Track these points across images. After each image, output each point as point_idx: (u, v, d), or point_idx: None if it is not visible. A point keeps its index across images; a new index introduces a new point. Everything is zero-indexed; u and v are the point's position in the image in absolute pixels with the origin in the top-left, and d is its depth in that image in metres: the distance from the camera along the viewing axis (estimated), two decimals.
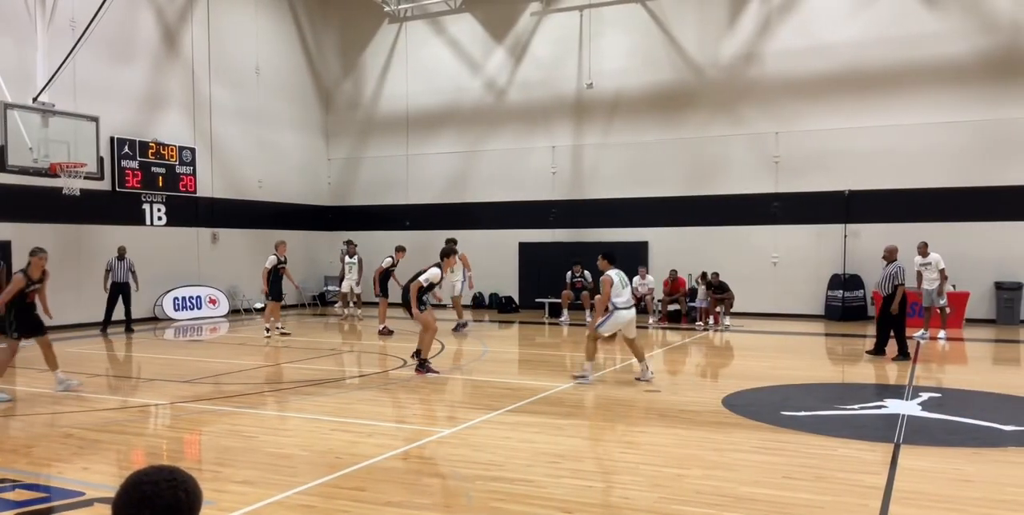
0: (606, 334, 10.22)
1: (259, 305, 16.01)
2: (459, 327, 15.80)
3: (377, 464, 6.21)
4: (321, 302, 23.00)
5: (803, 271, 18.40)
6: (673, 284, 18.00)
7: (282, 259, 15.42)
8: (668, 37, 19.81)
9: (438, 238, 17.24)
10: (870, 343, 12.65)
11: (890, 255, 12.28)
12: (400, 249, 16.74)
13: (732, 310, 16.97)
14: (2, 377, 9.02)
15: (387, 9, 22.78)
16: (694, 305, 17.57)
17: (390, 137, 23.26)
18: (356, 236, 22.10)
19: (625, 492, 5.44)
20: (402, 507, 5.17)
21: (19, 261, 15.58)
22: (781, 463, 6.20)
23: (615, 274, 9.89)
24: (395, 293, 15.75)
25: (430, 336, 10.58)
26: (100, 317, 15.89)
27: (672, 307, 18.07)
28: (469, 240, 21.23)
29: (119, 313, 15.94)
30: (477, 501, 5.29)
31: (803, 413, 8.09)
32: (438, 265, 10.85)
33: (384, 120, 23.38)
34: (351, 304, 18.82)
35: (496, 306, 21.24)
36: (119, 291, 15.87)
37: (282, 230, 21.41)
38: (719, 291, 16.77)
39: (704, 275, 17.15)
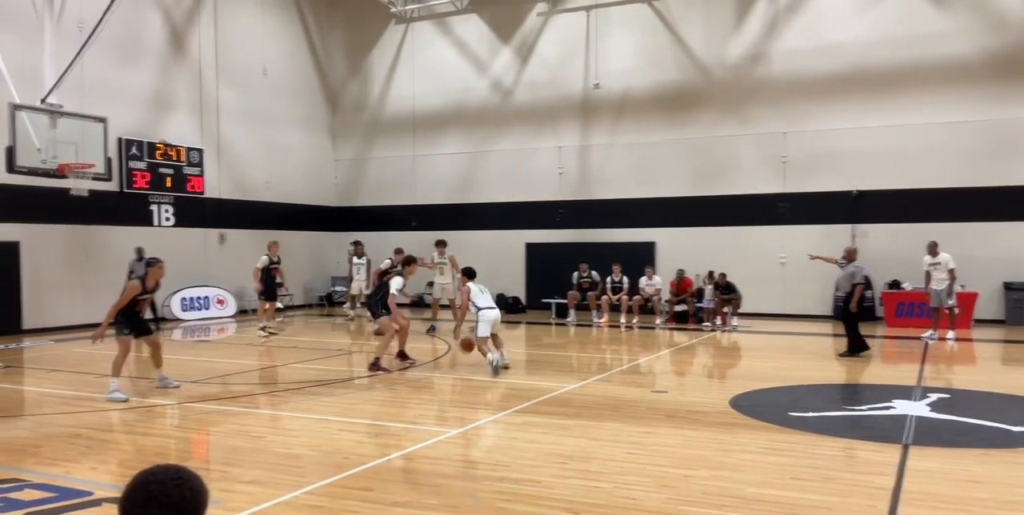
0: (486, 334, 11.12)
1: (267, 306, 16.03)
2: (432, 329, 15.85)
3: (384, 464, 6.22)
4: (328, 302, 23.03)
5: (811, 271, 18.30)
6: (680, 284, 17.98)
7: (275, 259, 15.47)
8: (675, 37, 19.79)
9: (444, 238, 17.28)
10: (873, 343, 12.62)
11: (849, 256, 12.86)
12: (399, 251, 16.56)
13: (739, 310, 16.94)
14: (119, 376, 9.06)
15: (394, 10, 22.80)
16: (701, 305, 17.54)
17: (397, 138, 23.29)
18: (363, 237, 22.09)
19: (632, 493, 5.43)
20: (409, 507, 5.17)
21: (28, 262, 15.70)
22: (789, 464, 6.18)
23: (472, 285, 11.46)
24: None
25: (388, 338, 11.22)
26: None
27: (679, 308, 18.04)
28: (475, 240, 21.31)
29: None
30: (484, 501, 5.29)
31: (811, 414, 8.06)
32: (399, 273, 11.45)
33: (391, 121, 23.41)
34: (359, 305, 18.84)
35: (503, 307, 21.17)
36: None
37: (289, 231, 21.51)
38: (726, 291, 16.74)
39: (711, 275, 17.11)
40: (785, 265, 18.56)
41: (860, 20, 18.00)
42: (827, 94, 18.29)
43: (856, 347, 12.30)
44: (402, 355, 11.62)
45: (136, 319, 9.32)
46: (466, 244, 20.32)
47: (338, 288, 22.65)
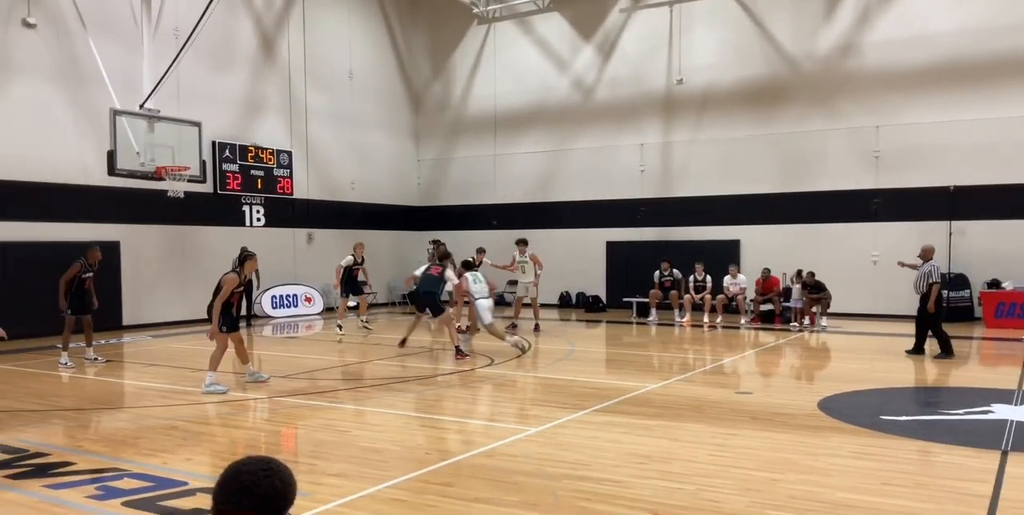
0: (490, 320, 12.41)
1: (351, 304, 16.39)
2: (513, 327, 15.79)
3: (465, 460, 6.28)
4: (411, 300, 23.34)
5: (905, 270, 17.64)
6: (766, 283, 17.57)
7: (359, 260, 15.71)
8: (761, 30, 19.36)
9: (524, 237, 17.31)
10: (971, 344, 12.08)
11: (926, 254, 12.39)
12: (481, 250, 16.79)
13: (829, 310, 16.46)
14: (216, 371, 9.45)
15: (476, 10, 23.00)
16: (788, 305, 17.11)
17: (478, 137, 23.48)
18: (444, 236, 22.35)
19: (715, 495, 5.35)
20: (489, 503, 5.21)
21: (128, 261, 16.44)
22: (880, 469, 5.98)
23: (469, 275, 12.68)
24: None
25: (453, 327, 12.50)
26: (202, 314, 16.53)
27: (765, 307, 17.64)
28: (555, 239, 21.33)
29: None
30: (563, 500, 5.29)
31: (904, 418, 7.78)
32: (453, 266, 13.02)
33: (472, 120, 23.62)
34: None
35: (583, 305, 21.16)
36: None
37: (373, 230, 21.96)
38: (815, 291, 16.28)
39: (799, 274, 16.66)
40: (878, 264, 17.92)
41: (955, 9, 17.24)
42: (922, 86, 17.59)
43: (946, 348, 11.84)
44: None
45: (229, 314, 9.67)
46: (546, 242, 20.36)
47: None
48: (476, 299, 12.46)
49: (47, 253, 13.88)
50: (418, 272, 13.30)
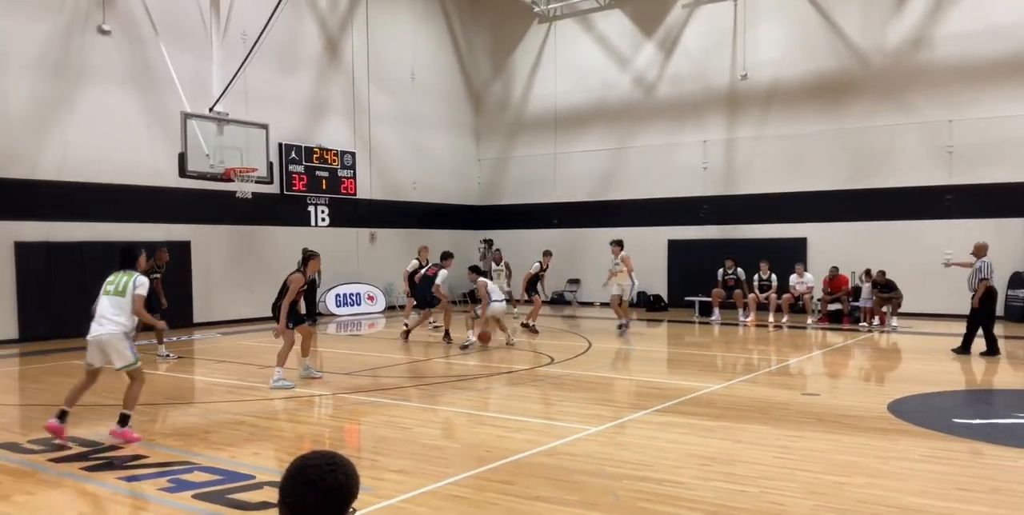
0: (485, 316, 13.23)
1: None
2: (623, 326, 15.44)
3: (525, 459, 6.28)
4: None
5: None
6: (833, 282, 17.15)
7: (423, 263, 15.69)
8: (828, 23, 18.91)
9: (584, 236, 17.28)
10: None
11: (978, 251, 12.26)
12: (547, 253, 16.79)
13: (900, 310, 16.00)
14: (284, 367, 9.70)
15: (537, 9, 23.00)
16: (857, 305, 16.67)
17: (538, 136, 23.47)
18: (503, 235, 22.52)
19: (779, 498, 5.24)
20: (550, 502, 5.20)
21: (198, 260, 16.90)
22: (953, 473, 5.79)
23: (484, 280, 13.54)
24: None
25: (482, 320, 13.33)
26: (268, 311, 16.89)
27: (833, 307, 17.22)
28: (617, 237, 21.12)
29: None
30: (624, 500, 5.25)
31: (978, 421, 7.52)
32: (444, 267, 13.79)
33: (532, 119, 23.62)
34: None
35: (644, 304, 20.98)
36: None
37: (434, 229, 22.14)
38: (886, 290, 15.84)
39: (869, 273, 16.22)
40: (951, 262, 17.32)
41: None
42: (996, 79, 16.96)
43: (992, 347, 11.80)
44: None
45: (294, 311, 9.87)
46: (607, 241, 20.21)
47: None
48: (492, 301, 13.12)
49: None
50: (409, 268, 15.19)
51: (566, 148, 22.96)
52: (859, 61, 18.61)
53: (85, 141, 15.08)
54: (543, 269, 16.47)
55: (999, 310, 16.66)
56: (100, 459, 6.44)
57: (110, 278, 7.25)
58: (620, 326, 15.38)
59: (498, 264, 18.11)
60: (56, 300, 14.29)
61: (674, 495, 5.32)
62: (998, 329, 15.39)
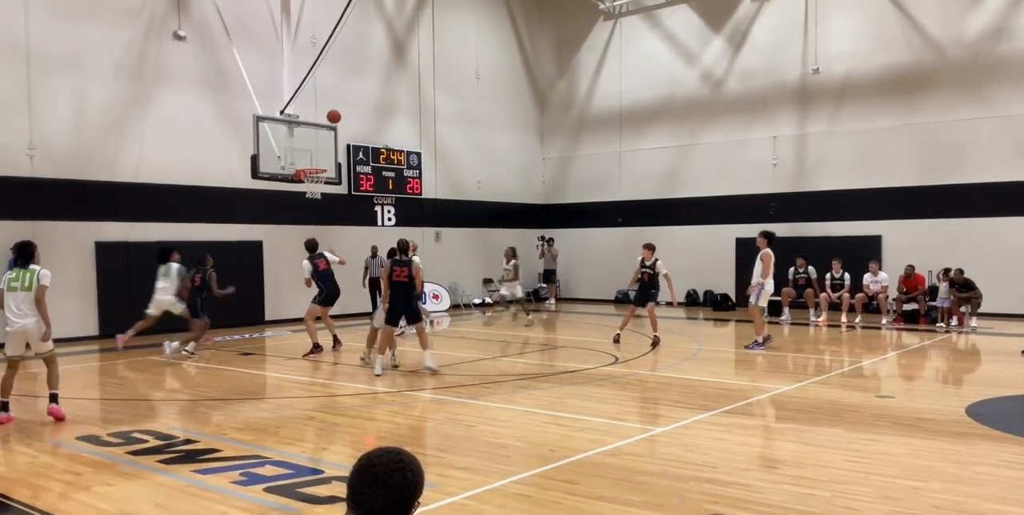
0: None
1: (476, 301, 16.57)
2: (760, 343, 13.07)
3: (589, 458, 6.26)
4: (535, 298, 23.50)
5: None
6: (909, 281, 16.63)
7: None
8: (904, 14, 18.33)
9: (648, 235, 17.07)
10: None
11: None
12: (650, 248, 13.95)
13: (979, 310, 15.42)
14: (383, 354, 10.61)
15: (602, 7, 22.88)
16: (935, 304, 16.12)
17: (603, 134, 23.34)
18: (569, 233, 22.48)
19: (852, 503, 5.10)
20: (614, 503, 5.17)
21: (269, 260, 17.28)
22: None
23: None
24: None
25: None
26: (336, 310, 17.18)
27: (908, 307, 16.70)
28: (682, 236, 20.96)
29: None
30: (690, 502, 5.18)
31: None
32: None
33: (597, 117, 23.50)
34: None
35: (711, 304, 20.67)
36: (375, 285, 16.98)
37: (499, 229, 22.21)
38: (964, 289, 15.29)
39: (947, 272, 15.67)
40: None
41: None
42: None
43: None
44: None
45: (414, 310, 10.75)
46: (672, 239, 20.04)
47: (544, 284, 23.05)
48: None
49: (195, 252, 14.73)
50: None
51: (631, 146, 22.77)
52: (936, 53, 17.99)
53: (161, 144, 15.57)
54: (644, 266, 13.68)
55: None
56: (176, 452, 6.65)
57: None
58: (757, 343, 12.96)
59: (554, 260, 18.04)
60: (134, 298, 14.72)
61: (742, 497, 5.23)
62: None
